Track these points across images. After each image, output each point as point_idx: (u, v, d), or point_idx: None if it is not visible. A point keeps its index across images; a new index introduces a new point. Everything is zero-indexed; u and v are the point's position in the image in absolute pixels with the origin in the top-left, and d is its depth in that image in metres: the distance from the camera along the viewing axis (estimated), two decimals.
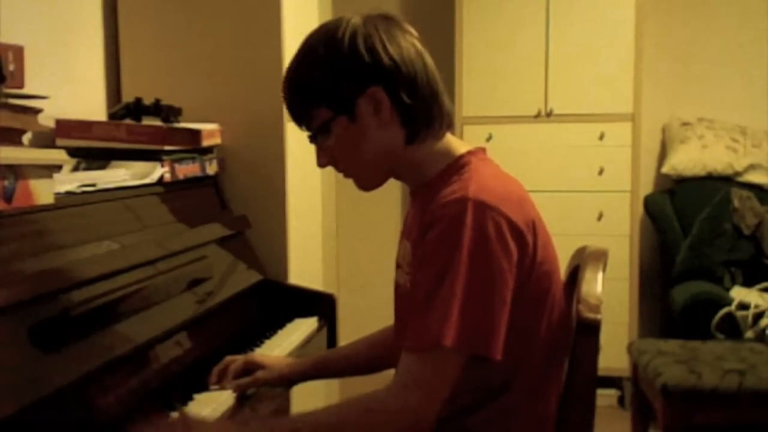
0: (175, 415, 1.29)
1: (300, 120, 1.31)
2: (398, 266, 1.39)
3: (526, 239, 1.19)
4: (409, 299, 1.24)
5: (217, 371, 1.51)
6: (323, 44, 1.26)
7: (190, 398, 1.38)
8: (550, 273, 1.26)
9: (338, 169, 1.33)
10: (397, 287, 1.39)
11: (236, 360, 1.53)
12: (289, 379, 1.56)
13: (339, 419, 1.18)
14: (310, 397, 2.05)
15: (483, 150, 1.33)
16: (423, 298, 1.15)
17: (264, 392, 1.54)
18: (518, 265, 1.18)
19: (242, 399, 1.47)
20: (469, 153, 1.30)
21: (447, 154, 1.30)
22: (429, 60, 1.28)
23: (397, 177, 1.35)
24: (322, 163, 1.33)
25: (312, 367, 1.57)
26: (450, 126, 1.32)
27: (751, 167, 3.50)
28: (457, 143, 1.32)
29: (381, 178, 1.33)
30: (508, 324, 1.16)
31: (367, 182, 1.33)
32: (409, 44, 1.26)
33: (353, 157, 1.30)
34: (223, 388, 1.47)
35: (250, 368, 1.53)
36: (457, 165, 1.28)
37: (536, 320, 1.25)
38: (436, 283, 1.14)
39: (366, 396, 1.18)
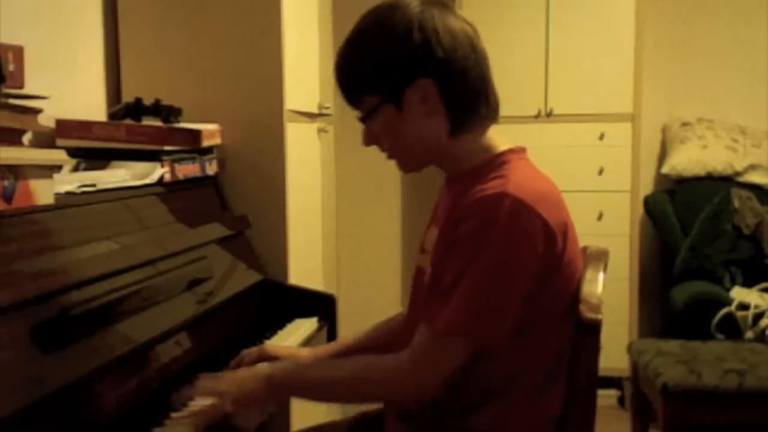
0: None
1: (349, 101, 1.33)
2: (423, 251, 1.40)
3: (557, 241, 1.20)
4: (431, 284, 1.26)
5: (233, 364, 1.53)
6: (377, 32, 1.26)
7: (190, 398, 1.38)
8: (573, 275, 1.27)
9: (382, 150, 1.35)
10: (419, 271, 1.40)
11: (251, 352, 1.55)
12: None
13: (354, 375, 1.27)
14: None
15: (523, 150, 1.34)
16: (448, 286, 1.18)
17: None
18: (542, 264, 1.19)
19: None
20: (510, 151, 1.31)
21: (488, 150, 1.31)
22: (480, 47, 1.29)
23: (436, 164, 1.36)
24: (368, 143, 1.35)
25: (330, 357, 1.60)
26: (495, 117, 1.33)
27: (751, 167, 3.50)
28: (498, 140, 1.33)
29: (421, 164, 1.36)
30: (524, 323, 1.19)
31: (408, 166, 1.37)
32: (463, 34, 1.26)
33: (396, 143, 1.32)
34: None
35: (264, 360, 1.54)
36: (497, 161, 1.28)
37: (550, 320, 1.26)
38: (462, 272, 1.17)
39: (381, 359, 1.26)
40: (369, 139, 1.34)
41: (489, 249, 1.15)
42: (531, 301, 1.19)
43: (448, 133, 1.28)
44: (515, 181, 1.20)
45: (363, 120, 1.32)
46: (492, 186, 1.20)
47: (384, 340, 1.58)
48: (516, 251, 1.16)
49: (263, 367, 1.40)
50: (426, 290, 1.29)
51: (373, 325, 1.62)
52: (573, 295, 1.28)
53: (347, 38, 1.30)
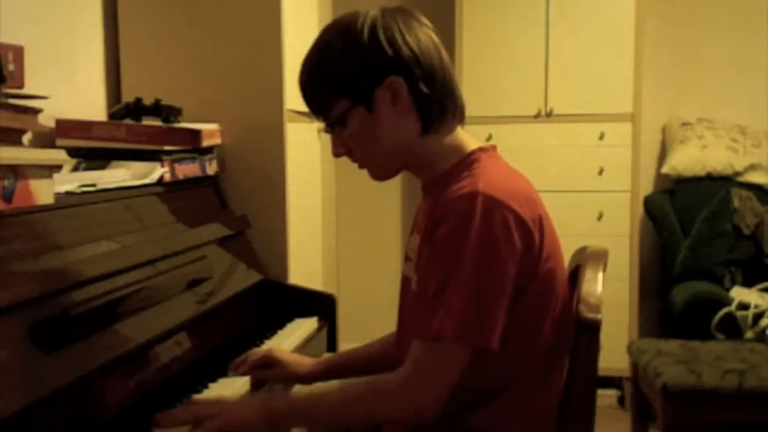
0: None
1: (317, 111, 1.33)
2: (407, 259, 1.40)
3: (533, 235, 1.20)
4: (418, 292, 1.26)
5: (237, 361, 1.53)
6: (342, 36, 1.27)
7: (190, 399, 1.38)
8: (555, 270, 1.26)
9: (353, 159, 1.34)
10: (405, 280, 1.40)
11: (256, 352, 1.55)
12: (303, 379, 1.57)
13: (350, 400, 1.24)
14: None
15: (494, 147, 1.34)
16: (433, 292, 1.18)
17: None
18: (522, 260, 1.19)
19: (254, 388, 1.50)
20: (480, 150, 1.32)
21: (458, 150, 1.31)
22: (444, 53, 1.30)
23: (410, 170, 1.36)
24: (338, 153, 1.34)
25: (327, 370, 1.58)
26: (462, 118, 1.34)
27: (751, 167, 3.50)
28: (468, 139, 1.34)
29: (394, 170, 1.35)
30: (512, 321, 1.18)
31: (381, 173, 1.35)
32: (426, 36, 1.28)
33: (369, 147, 1.31)
34: (237, 374, 1.51)
35: (268, 363, 1.54)
36: (467, 161, 1.29)
37: (540, 317, 1.26)
38: (444, 277, 1.17)
39: (376, 379, 1.23)
40: (339, 149, 1.33)
41: (468, 249, 1.15)
42: (518, 299, 1.20)
43: (419, 134, 1.29)
44: (485, 179, 1.21)
45: (332, 126, 1.31)
46: (463, 186, 1.21)
47: (388, 353, 1.57)
48: (494, 248, 1.16)
49: (258, 396, 1.36)
50: (413, 299, 1.29)
51: (380, 337, 1.60)
52: (561, 291, 1.28)
53: (312, 48, 1.30)
